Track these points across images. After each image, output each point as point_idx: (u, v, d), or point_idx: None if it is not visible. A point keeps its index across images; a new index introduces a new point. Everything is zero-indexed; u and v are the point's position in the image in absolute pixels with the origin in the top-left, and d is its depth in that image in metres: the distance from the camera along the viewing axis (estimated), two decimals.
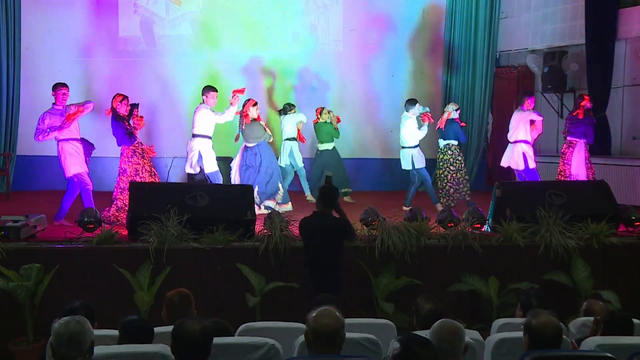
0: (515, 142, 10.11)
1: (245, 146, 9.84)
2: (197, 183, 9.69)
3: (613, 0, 11.32)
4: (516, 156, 10.08)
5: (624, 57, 11.39)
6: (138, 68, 12.49)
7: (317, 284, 6.29)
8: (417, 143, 10.50)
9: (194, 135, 9.38)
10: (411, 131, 10.43)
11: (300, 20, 12.89)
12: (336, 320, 3.65)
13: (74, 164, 8.62)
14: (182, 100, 12.43)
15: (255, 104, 9.86)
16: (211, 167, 9.38)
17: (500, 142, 12.99)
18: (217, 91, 9.53)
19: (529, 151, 10.08)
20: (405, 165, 10.61)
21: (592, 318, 4.90)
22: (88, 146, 8.86)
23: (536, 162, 10.41)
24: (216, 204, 7.50)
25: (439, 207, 10.01)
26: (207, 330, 3.67)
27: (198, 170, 9.50)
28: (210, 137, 9.41)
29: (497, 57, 13.36)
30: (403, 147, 10.57)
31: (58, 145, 8.65)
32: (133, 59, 12.46)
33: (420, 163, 10.48)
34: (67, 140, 8.62)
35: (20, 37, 11.97)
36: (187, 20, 12.62)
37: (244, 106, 9.81)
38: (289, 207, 9.72)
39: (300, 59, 12.86)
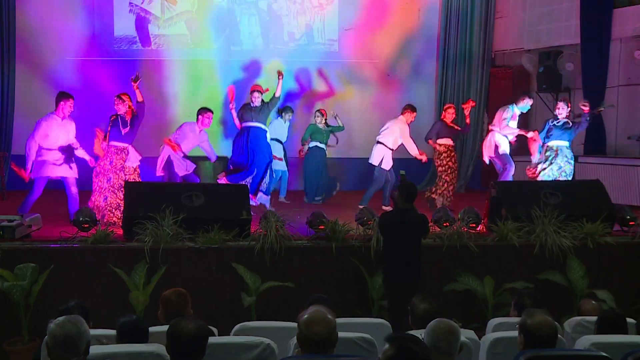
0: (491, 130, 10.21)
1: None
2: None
3: (607, 0, 11.35)
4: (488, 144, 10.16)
5: (619, 57, 11.41)
6: (133, 67, 12.46)
7: (398, 278, 6.39)
8: (394, 148, 10.28)
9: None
10: (400, 135, 10.19)
11: (296, 20, 12.89)
12: (326, 326, 3.62)
13: (39, 168, 8.60)
14: (176, 100, 12.43)
15: (253, 91, 9.94)
16: (182, 170, 9.45)
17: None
18: (212, 112, 9.71)
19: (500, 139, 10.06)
20: (373, 160, 10.32)
21: (587, 317, 4.92)
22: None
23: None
24: (212, 203, 7.50)
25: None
26: (202, 329, 3.67)
27: (162, 173, 9.52)
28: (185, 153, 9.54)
29: (493, 56, 13.38)
30: (379, 142, 10.34)
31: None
32: (128, 58, 12.44)
33: (387, 165, 10.23)
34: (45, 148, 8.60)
35: (15, 36, 11.94)
36: (182, 19, 12.60)
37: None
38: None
39: (295, 58, 12.86)
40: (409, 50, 13.16)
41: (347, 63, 13.03)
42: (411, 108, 10.34)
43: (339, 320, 3.90)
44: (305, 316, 3.65)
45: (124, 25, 12.43)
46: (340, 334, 3.72)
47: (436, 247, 7.40)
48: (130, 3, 12.40)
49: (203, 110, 9.63)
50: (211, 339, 3.86)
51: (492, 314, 6.84)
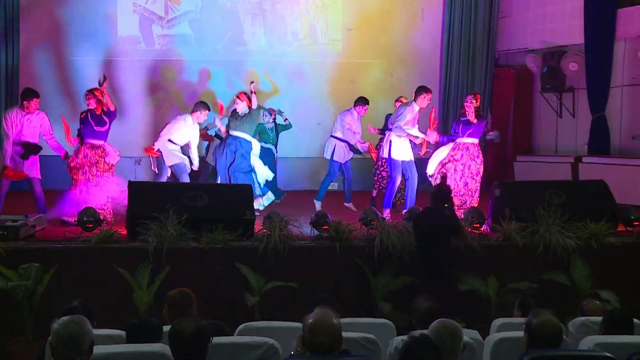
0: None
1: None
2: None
3: (612, 0, 11.33)
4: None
5: (623, 57, 11.38)
6: (137, 68, 12.48)
7: (429, 277, 6.57)
8: (344, 138, 10.09)
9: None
10: (349, 127, 10.04)
11: (300, 20, 12.89)
12: (331, 334, 3.60)
13: None
14: (179, 100, 12.43)
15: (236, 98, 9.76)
16: (172, 160, 9.33)
17: (499, 142, 13.01)
18: (209, 109, 9.57)
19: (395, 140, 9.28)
20: (326, 154, 10.22)
21: (591, 318, 4.92)
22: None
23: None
24: (215, 203, 7.50)
25: (317, 205, 9.76)
26: (201, 330, 3.66)
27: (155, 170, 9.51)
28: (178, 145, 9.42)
29: (496, 56, 13.36)
30: (332, 136, 10.23)
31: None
32: (132, 59, 12.45)
33: (340, 157, 10.08)
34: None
35: (19, 37, 11.96)
36: (185, 19, 12.61)
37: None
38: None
39: (299, 58, 12.86)
40: (411, 49, 13.14)
41: (351, 63, 13.01)
42: (363, 101, 10.25)
43: (343, 320, 3.90)
44: (310, 321, 3.64)
45: (127, 26, 12.44)
46: (344, 334, 3.73)
47: None
48: (134, 3, 12.42)
49: (201, 106, 9.48)
50: (215, 339, 3.86)
51: (496, 314, 6.83)
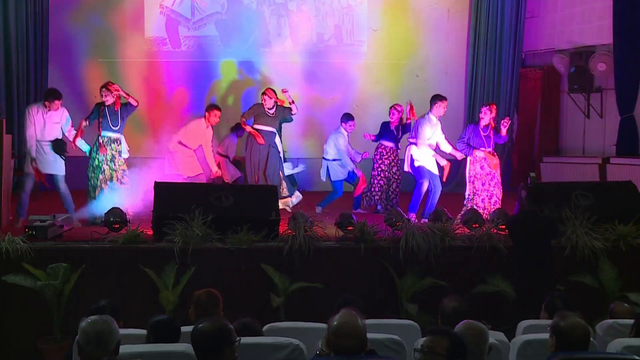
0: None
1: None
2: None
3: None
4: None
5: None
6: (163, 69, 12.56)
7: (527, 281, 6.53)
8: (338, 157, 9.94)
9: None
10: (339, 146, 9.92)
11: (325, 21, 12.90)
12: (356, 337, 3.59)
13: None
14: (206, 101, 12.48)
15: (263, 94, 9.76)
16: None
17: (525, 142, 12.94)
18: (220, 110, 9.59)
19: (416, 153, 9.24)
20: (323, 177, 10.20)
21: (620, 320, 4.87)
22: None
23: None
24: (241, 204, 7.53)
25: (318, 209, 9.70)
26: (221, 330, 3.64)
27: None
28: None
29: (523, 57, 13.26)
30: (323, 158, 10.14)
31: None
32: (158, 60, 12.53)
33: (337, 175, 10.00)
34: None
35: (48, 38, 12.09)
36: (211, 21, 12.68)
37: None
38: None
39: (324, 59, 12.86)
40: (437, 50, 13.09)
41: (376, 64, 12.99)
42: (348, 117, 10.07)
43: (368, 321, 3.89)
44: (335, 323, 3.63)
45: (154, 27, 12.54)
46: (369, 335, 3.72)
47: (465, 248, 7.37)
48: (160, 5, 12.51)
49: (211, 108, 9.56)
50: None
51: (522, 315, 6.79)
